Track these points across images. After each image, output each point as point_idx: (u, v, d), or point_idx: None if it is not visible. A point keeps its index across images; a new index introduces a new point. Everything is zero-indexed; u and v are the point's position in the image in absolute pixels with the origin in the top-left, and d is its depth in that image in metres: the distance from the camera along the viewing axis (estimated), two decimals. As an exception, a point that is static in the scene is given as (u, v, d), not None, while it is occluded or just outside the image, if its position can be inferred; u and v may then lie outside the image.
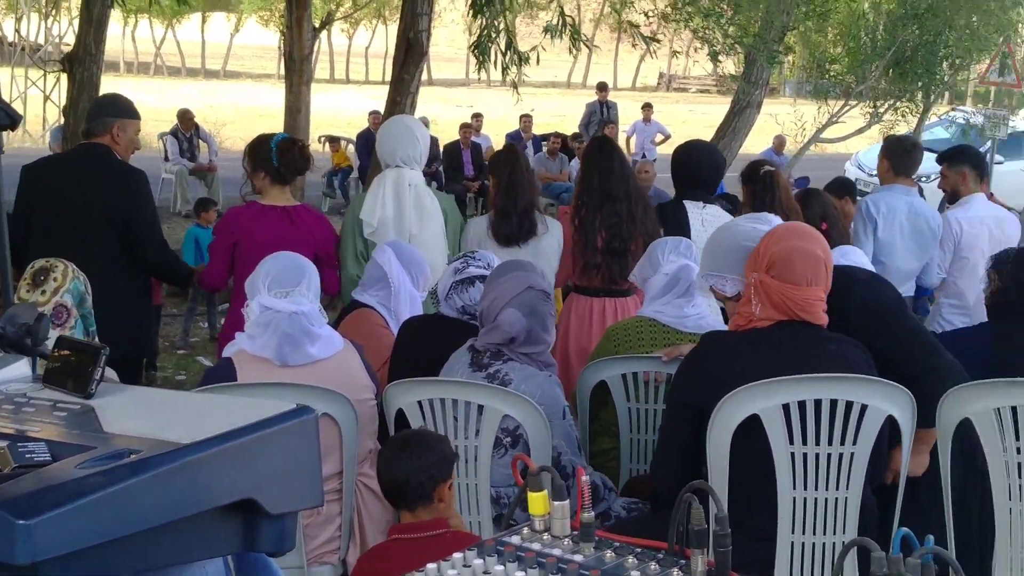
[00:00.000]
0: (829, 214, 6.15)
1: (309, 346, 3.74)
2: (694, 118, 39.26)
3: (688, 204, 5.77)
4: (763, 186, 5.73)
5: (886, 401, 3.30)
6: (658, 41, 8.89)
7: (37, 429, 1.64)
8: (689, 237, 5.56)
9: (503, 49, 8.46)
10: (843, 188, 7.88)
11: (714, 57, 11.50)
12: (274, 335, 3.71)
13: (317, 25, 9.17)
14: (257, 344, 3.73)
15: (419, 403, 3.75)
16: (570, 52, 8.27)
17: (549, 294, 3.86)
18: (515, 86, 8.61)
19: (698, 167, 5.90)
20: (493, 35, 8.30)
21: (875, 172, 15.87)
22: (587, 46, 8.33)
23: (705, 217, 5.74)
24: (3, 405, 1.74)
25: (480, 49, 8.32)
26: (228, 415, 1.63)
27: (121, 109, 5.58)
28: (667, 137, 19.35)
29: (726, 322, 4.01)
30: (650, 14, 11.38)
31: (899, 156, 6.76)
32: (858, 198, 7.26)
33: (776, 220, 3.73)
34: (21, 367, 1.91)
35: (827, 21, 13.46)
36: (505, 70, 8.52)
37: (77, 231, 5.21)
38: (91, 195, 5.31)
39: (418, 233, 5.42)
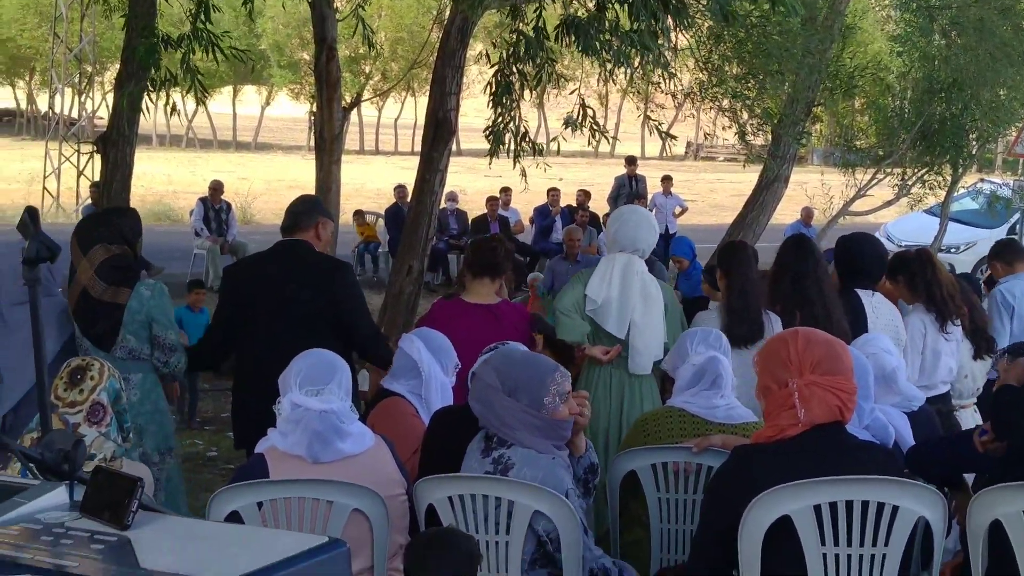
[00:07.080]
0: (970, 300, 6.31)
1: (340, 443, 3.76)
2: (722, 187, 39.40)
3: (861, 293, 5.93)
4: (920, 263, 6.01)
5: (918, 503, 3.28)
6: (674, 138, 9.04)
7: (75, 564, 1.66)
8: (866, 326, 5.71)
9: (516, 139, 8.58)
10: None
11: (742, 136, 11.59)
12: (305, 433, 3.73)
13: (347, 104, 9.23)
14: (289, 441, 3.76)
15: (449, 498, 3.76)
16: (589, 144, 8.38)
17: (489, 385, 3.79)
18: (524, 174, 8.69)
19: (861, 259, 6.09)
20: (508, 121, 8.41)
21: (904, 243, 15.72)
22: (606, 138, 8.42)
23: (875, 304, 5.92)
24: (42, 536, 1.77)
25: (496, 136, 8.44)
26: (262, 550, 1.66)
27: (324, 209, 5.71)
28: (684, 210, 19.77)
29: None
30: (677, 95, 11.49)
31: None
32: (996, 288, 7.22)
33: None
34: (59, 494, 1.93)
35: (853, 97, 13.52)
36: (516, 158, 8.70)
37: (292, 326, 5.21)
38: (303, 293, 5.31)
39: (640, 320, 5.58)
